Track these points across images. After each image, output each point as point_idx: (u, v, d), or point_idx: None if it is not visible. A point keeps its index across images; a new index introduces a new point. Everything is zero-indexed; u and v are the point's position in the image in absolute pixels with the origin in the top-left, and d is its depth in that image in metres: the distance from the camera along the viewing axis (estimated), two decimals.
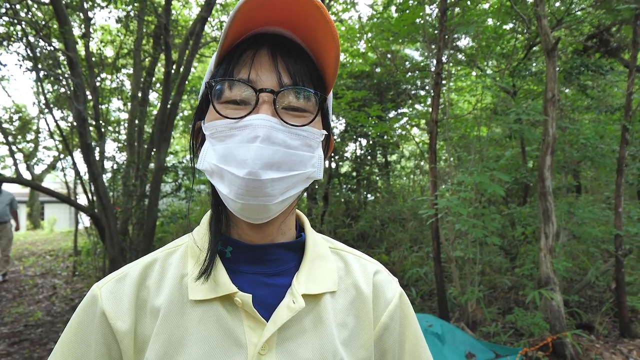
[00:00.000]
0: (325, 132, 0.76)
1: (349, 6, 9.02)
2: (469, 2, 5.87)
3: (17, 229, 8.47)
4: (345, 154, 10.23)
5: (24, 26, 5.79)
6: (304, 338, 0.73)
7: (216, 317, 0.71)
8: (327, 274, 0.80)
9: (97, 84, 6.88)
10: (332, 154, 9.19)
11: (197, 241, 0.79)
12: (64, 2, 5.45)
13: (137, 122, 7.56)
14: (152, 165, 6.68)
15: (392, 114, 9.28)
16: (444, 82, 5.55)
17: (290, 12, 0.69)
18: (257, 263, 0.76)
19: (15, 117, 14.32)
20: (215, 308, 0.72)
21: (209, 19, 6.12)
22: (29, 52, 5.82)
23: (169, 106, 5.93)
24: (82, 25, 6.87)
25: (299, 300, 0.73)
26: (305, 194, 8.84)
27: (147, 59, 8.23)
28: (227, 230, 0.79)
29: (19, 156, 15.47)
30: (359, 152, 10.35)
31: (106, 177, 6.97)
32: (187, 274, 0.75)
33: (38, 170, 17.45)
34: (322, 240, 0.87)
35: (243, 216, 0.72)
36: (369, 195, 10.51)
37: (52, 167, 16.66)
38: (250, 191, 0.67)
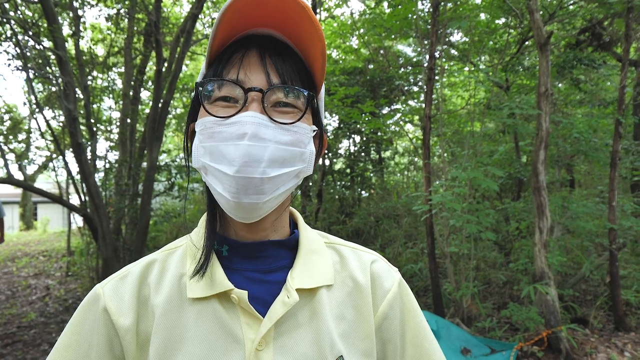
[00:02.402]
0: (315, 127, 0.77)
1: (341, 2, 8.98)
2: None
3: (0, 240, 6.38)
4: (339, 151, 10.21)
5: (12, 25, 5.72)
6: (300, 332, 0.74)
7: (214, 314, 0.72)
8: (322, 268, 0.81)
9: (88, 82, 6.81)
10: (326, 151, 9.16)
11: (195, 241, 0.80)
12: (52, 0, 5.38)
13: (128, 120, 7.52)
14: (144, 164, 6.63)
15: (385, 110, 9.26)
16: (437, 77, 5.54)
17: (276, 13, 0.70)
18: (253, 260, 0.78)
19: (6, 117, 14.19)
20: (213, 305, 0.73)
21: (199, 16, 6.07)
22: (18, 51, 5.75)
23: (160, 104, 5.90)
24: (72, 24, 6.79)
25: (293, 294, 0.73)
26: (299, 191, 8.82)
27: (138, 57, 8.18)
28: (222, 230, 0.80)
29: (11, 156, 15.34)
30: (352, 148, 10.32)
31: (98, 176, 6.91)
32: (186, 273, 0.77)
33: (30, 170, 17.32)
34: (316, 235, 0.87)
35: (236, 216, 0.72)
36: (363, 192, 10.49)
37: (44, 167, 16.54)
38: (241, 189, 0.67)
